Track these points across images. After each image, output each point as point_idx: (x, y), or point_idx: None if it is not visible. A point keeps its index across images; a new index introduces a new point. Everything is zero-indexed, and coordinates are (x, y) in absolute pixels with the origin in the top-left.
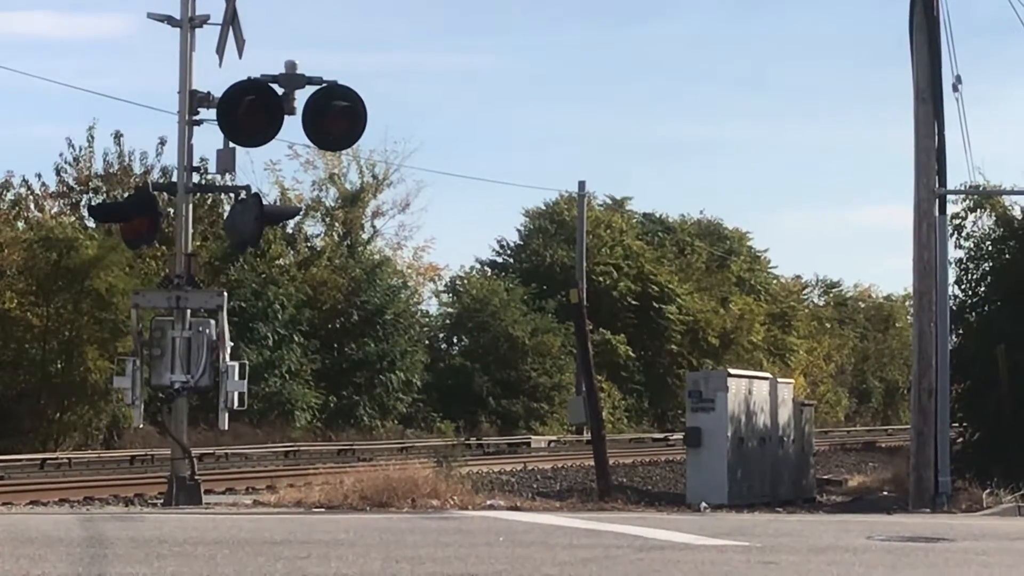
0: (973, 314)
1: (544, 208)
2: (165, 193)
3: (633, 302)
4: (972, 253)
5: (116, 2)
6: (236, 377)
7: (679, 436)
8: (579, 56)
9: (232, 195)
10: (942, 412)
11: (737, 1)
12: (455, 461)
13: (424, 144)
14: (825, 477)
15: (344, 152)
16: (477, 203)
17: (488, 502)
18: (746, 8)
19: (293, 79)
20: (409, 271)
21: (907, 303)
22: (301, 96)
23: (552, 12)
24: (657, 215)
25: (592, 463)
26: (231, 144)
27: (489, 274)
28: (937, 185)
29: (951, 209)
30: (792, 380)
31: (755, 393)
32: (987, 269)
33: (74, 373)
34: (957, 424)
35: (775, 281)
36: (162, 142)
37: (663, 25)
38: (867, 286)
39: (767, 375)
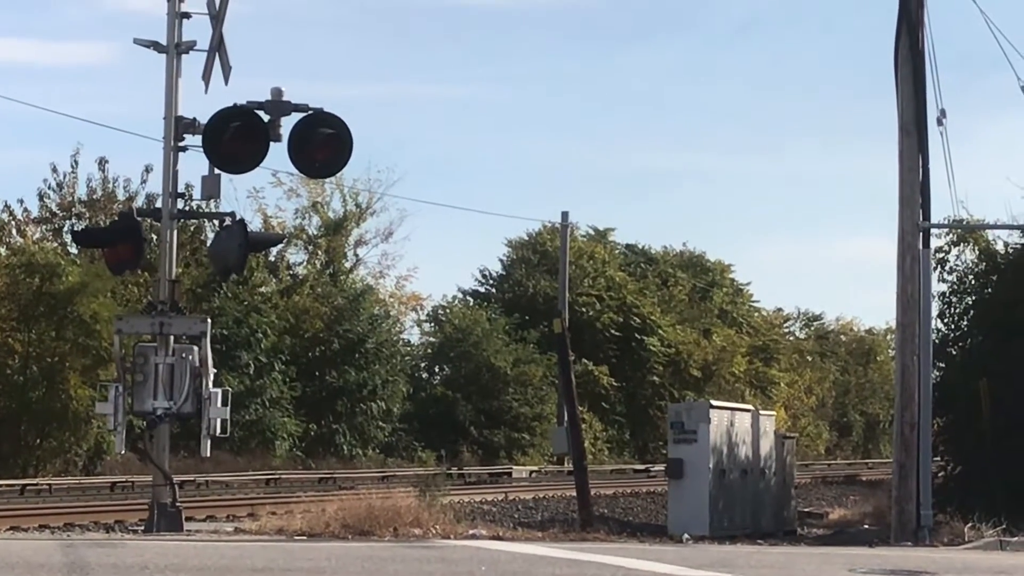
0: (956, 348)
1: (527, 238)
2: (149, 219)
3: (615, 333)
4: (955, 287)
5: (101, 29)
6: (219, 404)
7: (660, 467)
8: (561, 86)
9: (216, 222)
10: (924, 445)
11: (719, 32)
12: (437, 490)
13: (408, 173)
14: (806, 510)
15: (328, 180)
16: (460, 233)
17: (470, 532)
18: (729, 39)
19: (279, 106)
20: (391, 300)
21: (889, 337)
22: (287, 123)
23: (534, 42)
24: (640, 246)
25: (574, 494)
26: (216, 171)
27: (471, 304)
28: (921, 218)
29: (935, 243)
30: (774, 412)
31: (737, 425)
32: (970, 303)
33: (55, 399)
34: (939, 458)
35: (757, 314)
36: (147, 169)
37: (645, 56)
38: (849, 319)
39: (749, 407)
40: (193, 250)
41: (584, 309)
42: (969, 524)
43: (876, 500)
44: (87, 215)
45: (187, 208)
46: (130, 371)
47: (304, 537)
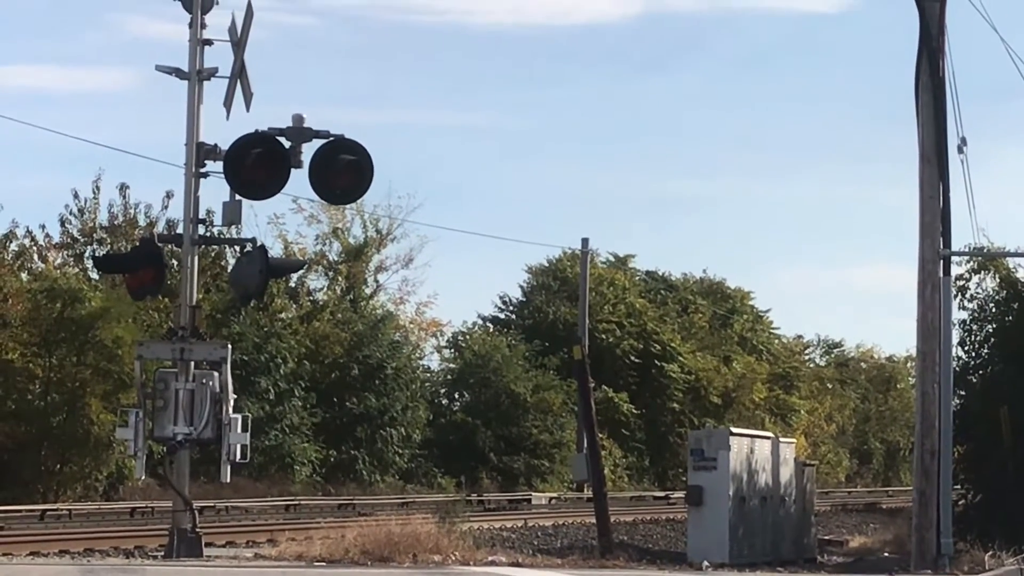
0: (976, 376)
1: (547, 265)
2: (170, 245)
3: (635, 360)
4: (976, 315)
5: (122, 56)
6: (239, 429)
7: (680, 495)
8: (580, 113)
9: (237, 248)
10: (945, 473)
11: (739, 58)
12: (456, 517)
13: (428, 200)
14: (826, 537)
15: (348, 207)
16: (480, 259)
17: (490, 558)
18: (749, 64)
19: (300, 132)
20: (411, 326)
21: (909, 364)
22: (308, 150)
23: (553, 69)
24: (660, 273)
25: (593, 520)
26: (237, 197)
27: (491, 330)
28: (942, 246)
29: (955, 270)
30: (794, 440)
31: (757, 452)
32: (990, 331)
33: (76, 424)
34: (959, 486)
35: (777, 341)
36: (168, 195)
37: (664, 82)
38: (869, 347)
39: (769, 434)
40: (214, 276)
41: (604, 336)
42: (989, 552)
43: (896, 528)
44: (108, 241)
45: (208, 234)
46: (151, 396)
47: (323, 563)
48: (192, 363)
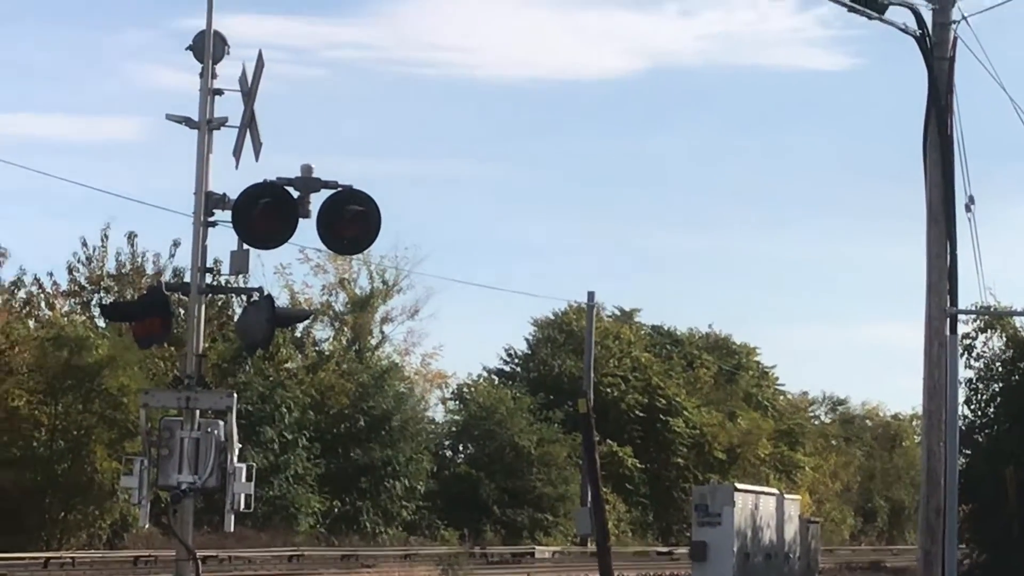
0: (982, 434)
1: (553, 318)
2: (177, 294)
3: (640, 414)
4: (982, 374)
5: (132, 105)
6: (243, 479)
7: (684, 550)
8: (587, 167)
9: (244, 297)
10: (950, 532)
11: (745, 114)
12: (460, 569)
13: (434, 251)
14: None
15: (355, 257)
16: (486, 311)
17: None
18: (755, 121)
19: (309, 182)
20: (417, 377)
21: (914, 422)
22: (316, 200)
23: (560, 123)
24: (665, 328)
25: (597, 575)
26: (245, 246)
27: (496, 382)
28: (948, 304)
29: (962, 329)
30: (798, 497)
31: (761, 508)
32: (997, 390)
33: (81, 472)
34: (965, 545)
35: (782, 397)
36: (175, 244)
37: (670, 137)
38: (874, 404)
39: (774, 491)
40: (220, 325)
41: (609, 390)
42: None
43: None
44: (115, 289)
45: (215, 283)
46: (155, 445)
47: None
48: (197, 412)
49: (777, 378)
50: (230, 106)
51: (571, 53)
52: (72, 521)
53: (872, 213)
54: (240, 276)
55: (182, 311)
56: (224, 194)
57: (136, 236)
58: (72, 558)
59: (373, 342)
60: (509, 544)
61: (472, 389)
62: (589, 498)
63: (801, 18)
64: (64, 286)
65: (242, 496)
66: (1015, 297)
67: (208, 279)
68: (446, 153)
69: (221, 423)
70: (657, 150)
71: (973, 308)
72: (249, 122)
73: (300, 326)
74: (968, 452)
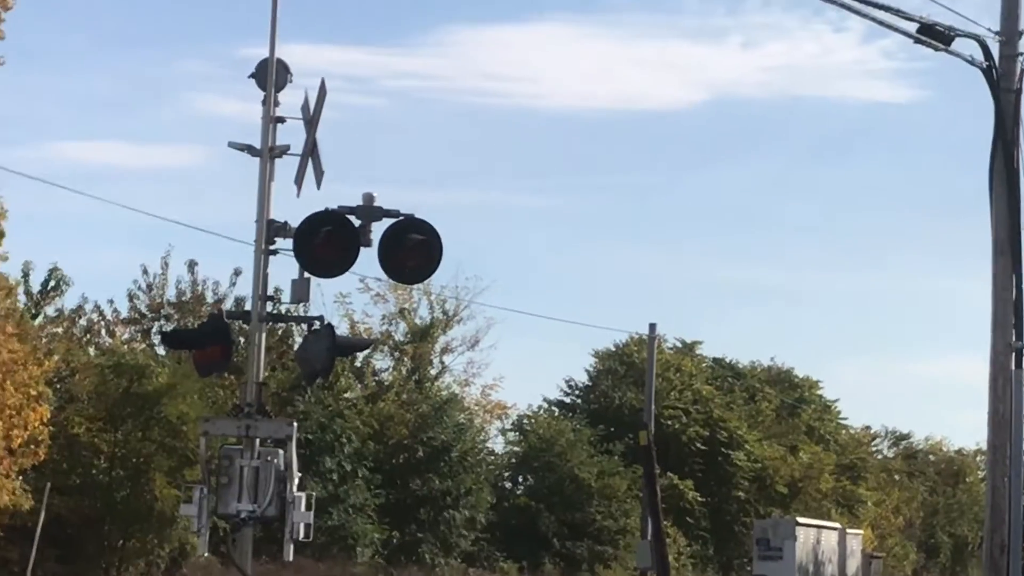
0: None
1: (614, 349)
2: (238, 322)
3: (701, 447)
4: None
5: (192, 132)
6: (303, 508)
7: None
8: (648, 198)
9: (305, 326)
10: (1014, 568)
11: (806, 147)
12: None
13: (496, 281)
14: None
15: (415, 287)
16: (546, 342)
17: None
18: (816, 155)
19: (370, 211)
20: (476, 408)
21: (978, 457)
22: (377, 229)
23: (622, 154)
24: (727, 360)
25: None
26: (306, 275)
27: (556, 414)
28: (1014, 339)
29: None
30: (861, 531)
31: (823, 543)
32: None
33: (140, 500)
34: None
35: (844, 431)
36: (236, 272)
37: (732, 169)
38: (938, 439)
39: (836, 525)
40: (280, 354)
41: (670, 422)
42: None
43: None
44: (175, 317)
45: (276, 311)
46: (215, 473)
47: None
48: (257, 440)
49: (839, 412)
50: (292, 135)
51: (633, 84)
52: (131, 549)
53: (937, 246)
54: (301, 305)
55: (242, 339)
56: (285, 222)
57: (196, 264)
58: None
59: (433, 372)
60: None
61: (532, 420)
62: (650, 531)
63: (865, 50)
64: (124, 313)
65: (301, 525)
66: None
67: (269, 307)
68: (508, 183)
69: (281, 452)
70: (719, 182)
71: None
72: (311, 150)
73: (360, 356)
74: None
